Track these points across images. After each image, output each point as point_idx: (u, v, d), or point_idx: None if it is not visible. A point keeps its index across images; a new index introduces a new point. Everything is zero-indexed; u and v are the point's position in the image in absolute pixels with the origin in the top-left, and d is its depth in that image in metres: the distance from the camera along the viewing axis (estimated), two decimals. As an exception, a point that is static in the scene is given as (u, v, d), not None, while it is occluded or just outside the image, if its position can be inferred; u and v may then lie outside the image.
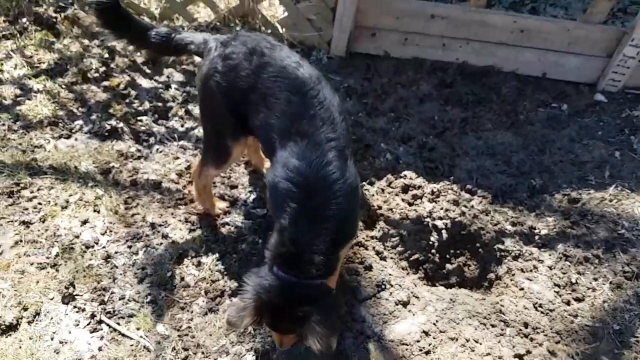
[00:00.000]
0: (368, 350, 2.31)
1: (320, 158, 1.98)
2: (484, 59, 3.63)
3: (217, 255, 2.57)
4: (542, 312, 2.50)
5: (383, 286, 2.56)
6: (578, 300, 2.57)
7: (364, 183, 3.00)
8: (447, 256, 2.88)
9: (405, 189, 2.97)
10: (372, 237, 2.78)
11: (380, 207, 2.89)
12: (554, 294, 2.58)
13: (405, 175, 3.01)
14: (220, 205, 2.77)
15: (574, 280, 2.63)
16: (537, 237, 2.81)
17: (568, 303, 2.55)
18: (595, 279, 2.63)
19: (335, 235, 1.98)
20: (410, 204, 2.91)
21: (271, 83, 2.09)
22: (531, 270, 2.67)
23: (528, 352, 2.35)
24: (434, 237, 2.84)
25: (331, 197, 1.97)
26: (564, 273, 2.66)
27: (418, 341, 2.36)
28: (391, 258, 2.78)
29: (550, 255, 2.74)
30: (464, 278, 2.85)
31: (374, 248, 2.74)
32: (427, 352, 2.33)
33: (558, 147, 3.25)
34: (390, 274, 2.62)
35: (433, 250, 2.85)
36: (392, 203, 2.90)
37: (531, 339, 2.40)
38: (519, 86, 3.59)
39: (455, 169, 3.11)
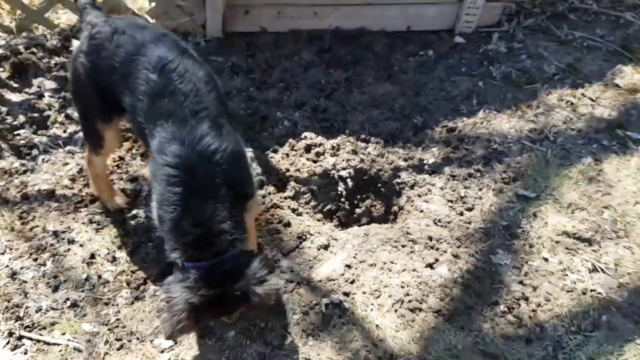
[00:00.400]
0: (300, 294, 2.50)
1: (191, 134, 1.97)
2: (354, 21, 3.96)
3: (131, 247, 2.60)
4: (442, 226, 2.86)
5: (304, 237, 2.77)
6: (469, 209, 2.97)
7: (268, 152, 3.18)
8: (355, 202, 3.18)
9: (308, 148, 3.20)
10: (285, 198, 2.98)
11: (288, 170, 3.09)
12: (448, 209, 2.96)
13: (305, 137, 3.25)
14: (119, 200, 2.76)
15: (462, 195, 3.03)
16: (426, 166, 3.19)
17: (461, 214, 2.94)
18: (480, 189, 3.06)
19: (232, 200, 2.00)
20: (315, 161, 3.15)
21: (129, 63, 2.07)
22: (426, 194, 3.04)
23: (437, 260, 2.69)
24: (341, 187, 3.12)
25: (215, 168, 1.98)
26: (453, 190, 3.05)
27: (343, 274, 2.60)
28: (306, 213, 3.00)
29: (440, 178, 3.12)
30: (372, 217, 3.16)
31: (289, 207, 2.94)
32: (352, 281, 2.57)
33: (431, 87, 3.67)
34: (308, 226, 2.84)
35: (342, 199, 3.13)
36: (298, 164, 3.12)
37: (437, 249, 2.74)
38: (389, 42, 3.97)
39: (348, 123, 3.40)
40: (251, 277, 1.93)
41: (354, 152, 3.18)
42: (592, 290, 2.59)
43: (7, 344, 2.16)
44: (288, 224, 2.80)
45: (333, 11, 3.90)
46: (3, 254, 2.46)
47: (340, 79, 3.67)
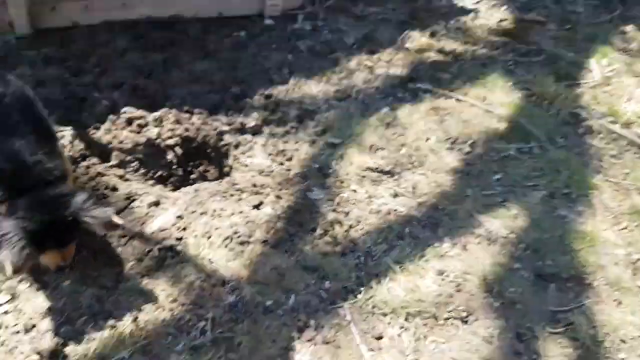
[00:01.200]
0: (134, 246, 2.77)
1: None
2: (166, 10, 4.31)
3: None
4: (265, 175, 3.34)
5: (133, 198, 3.03)
6: (288, 160, 3.50)
7: (89, 129, 3.38)
8: (189, 168, 3.51)
9: (130, 121, 3.44)
10: (111, 167, 3.20)
11: (110, 142, 3.30)
12: (270, 161, 3.46)
13: (125, 112, 3.50)
14: None
15: (282, 148, 3.55)
16: (248, 129, 3.66)
17: (282, 164, 3.45)
18: (297, 142, 3.61)
19: (36, 138, 2.24)
20: (138, 132, 3.41)
21: None
22: (249, 150, 3.51)
23: (261, 202, 3.14)
24: (170, 155, 3.42)
25: (7, 109, 2.23)
26: (274, 146, 3.56)
27: (175, 224, 2.92)
28: (136, 179, 3.25)
29: (261, 137, 3.62)
30: (208, 181, 3.50)
31: (115, 175, 3.16)
32: (184, 229, 2.91)
33: (245, 62, 4.17)
34: (137, 188, 3.11)
35: (174, 166, 3.43)
36: (120, 137, 3.35)
37: (261, 194, 3.20)
38: (203, 26, 4.38)
39: (169, 98, 3.73)
40: (80, 205, 2.13)
41: (178, 122, 3.52)
42: (395, 210, 3.25)
43: None
44: (115, 188, 3.03)
45: (143, 0, 4.21)
46: None
47: (158, 61, 3.98)
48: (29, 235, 2.01)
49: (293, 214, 3.11)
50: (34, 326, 2.31)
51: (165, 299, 2.55)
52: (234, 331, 2.48)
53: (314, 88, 4.06)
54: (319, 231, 3.05)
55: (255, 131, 3.67)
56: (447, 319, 2.70)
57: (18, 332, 2.28)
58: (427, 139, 3.77)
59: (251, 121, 3.72)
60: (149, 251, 2.74)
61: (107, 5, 4.10)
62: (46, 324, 2.33)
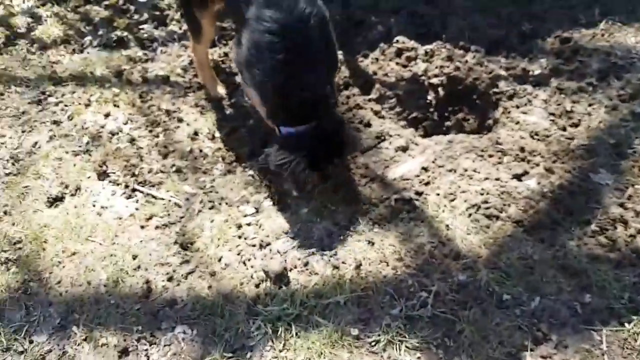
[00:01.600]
0: (372, 189, 2.54)
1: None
2: None
3: (228, 129, 2.82)
4: (538, 139, 2.65)
5: (383, 137, 2.76)
6: (574, 125, 2.70)
7: (357, 56, 3.15)
8: (446, 114, 3.03)
9: (399, 53, 3.10)
10: (369, 100, 2.95)
11: (375, 73, 3.03)
12: (549, 122, 2.72)
13: (397, 41, 3.14)
14: (220, 90, 2.99)
15: (569, 109, 2.75)
16: (530, 78, 2.92)
17: (564, 129, 2.68)
18: (591, 105, 2.75)
19: (326, 67, 2.17)
20: (404, 66, 3.05)
21: None
22: (526, 105, 2.81)
23: (525, 172, 2.52)
24: (430, 96, 3.00)
25: (312, 33, 2.10)
26: (559, 104, 2.78)
27: (418, 175, 2.57)
28: (390, 118, 2.94)
29: (544, 90, 2.86)
30: (463, 132, 2.98)
31: (371, 109, 2.91)
32: (427, 183, 2.53)
33: (547, -5, 3.31)
34: (389, 127, 2.82)
35: (431, 109, 3.00)
36: (386, 68, 3.04)
37: (528, 162, 2.56)
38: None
39: (446, 30, 3.21)
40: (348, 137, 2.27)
41: (450, 58, 3.01)
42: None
43: (123, 193, 2.55)
44: (368, 124, 2.80)
45: None
46: (125, 124, 2.85)
47: (446, -16, 3.45)
48: (311, 161, 2.19)
49: (564, 197, 2.41)
50: (268, 244, 2.35)
51: (391, 255, 2.29)
52: (458, 316, 2.08)
53: (632, 38, 2.98)
54: (593, 227, 2.31)
55: (539, 82, 2.91)
56: None
57: (254, 245, 2.35)
58: None
59: (536, 68, 2.95)
60: (385, 198, 2.48)
61: None
62: (279, 245, 2.34)
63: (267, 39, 2.07)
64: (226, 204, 2.51)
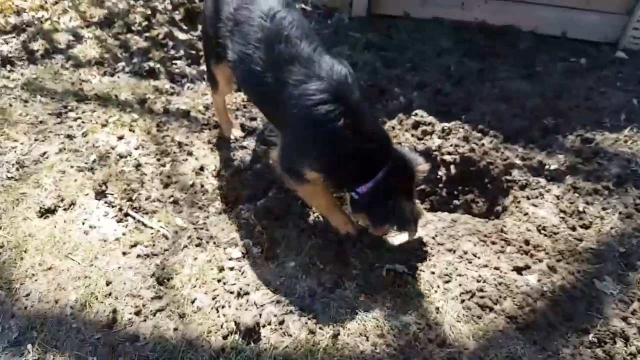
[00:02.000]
0: (366, 253, 2.38)
1: (326, 64, 2.05)
2: (502, 17, 3.68)
3: (233, 170, 2.76)
4: (545, 235, 2.49)
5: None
6: (584, 227, 2.54)
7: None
8: (455, 192, 2.92)
9: (416, 125, 3.04)
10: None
11: (389, 142, 2.98)
12: (559, 219, 2.56)
13: (416, 114, 3.09)
14: (235, 132, 2.97)
15: (581, 209, 2.60)
16: (546, 171, 2.81)
17: (573, 229, 2.52)
18: (604, 209, 2.59)
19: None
20: (419, 139, 2.98)
21: (242, 10, 2.17)
22: (537, 197, 2.67)
23: (527, 266, 2.35)
24: (442, 172, 2.90)
25: (355, 91, 2.11)
26: (571, 202, 2.64)
27: (416, 250, 2.42)
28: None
29: (558, 186, 2.72)
30: (471, 214, 2.85)
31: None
32: (423, 259, 2.38)
33: (575, 94, 3.24)
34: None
35: (440, 185, 2.90)
36: (401, 138, 2.99)
37: (531, 255, 2.39)
38: (538, 44, 3.61)
39: (468, 112, 3.16)
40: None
41: (466, 139, 2.94)
42: None
43: (115, 216, 2.47)
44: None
45: (481, 4, 3.67)
46: (136, 149, 2.81)
47: (473, 69, 3.43)
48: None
49: (563, 299, 2.22)
50: (247, 294, 2.20)
51: (373, 329, 2.10)
52: (429, 412, 1.87)
53: (657, 148, 2.87)
54: (591, 337, 2.09)
55: (554, 177, 2.78)
56: None
57: (232, 292, 2.21)
58: None
59: (553, 163, 2.84)
60: (377, 266, 2.32)
61: (445, 2, 3.74)
62: (258, 296, 2.19)
63: (322, 110, 2.00)
64: (214, 243, 2.40)
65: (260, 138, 2.99)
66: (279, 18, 2.12)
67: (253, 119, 3.11)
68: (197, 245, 2.38)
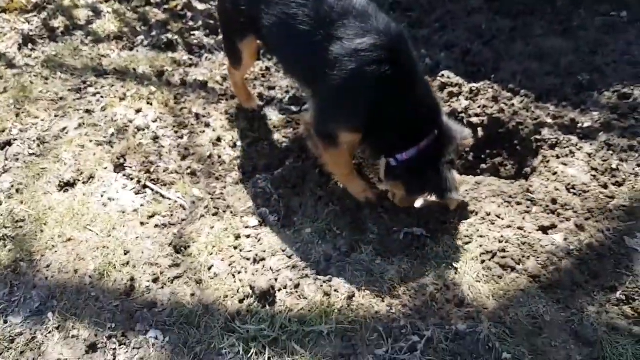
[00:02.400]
0: (383, 217, 2.51)
1: (383, 19, 2.11)
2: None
3: (251, 140, 2.94)
4: (574, 193, 2.53)
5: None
6: (617, 184, 2.55)
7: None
8: (482, 156, 2.97)
9: (442, 87, 3.10)
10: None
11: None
12: (590, 177, 2.59)
13: (443, 75, 3.14)
14: (253, 103, 3.11)
15: (614, 167, 2.61)
16: (578, 129, 2.82)
17: (605, 186, 2.55)
18: (639, 165, 2.60)
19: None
20: (446, 102, 3.04)
21: None
22: (567, 156, 2.70)
23: (553, 225, 2.41)
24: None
25: (411, 50, 2.19)
26: (604, 160, 2.65)
27: (435, 212, 2.51)
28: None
29: (591, 144, 2.74)
30: (498, 177, 2.89)
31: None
32: (444, 222, 2.48)
33: (612, 49, 3.20)
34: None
35: (467, 149, 2.95)
36: (426, 100, 3.05)
37: (558, 215, 2.45)
38: (576, -1, 3.56)
39: (499, 71, 3.19)
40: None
41: (495, 99, 2.97)
42: None
43: (134, 188, 2.69)
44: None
45: (518, -44, 3.62)
46: (154, 121, 3.02)
47: (505, 28, 3.44)
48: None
49: (591, 257, 2.28)
50: (262, 260, 2.37)
51: (388, 290, 2.23)
52: (449, 367, 1.98)
53: (703, 100, 2.80)
54: (619, 294, 2.16)
55: (587, 135, 2.79)
56: None
57: (248, 259, 2.38)
58: None
59: (587, 121, 2.84)
60: (395, 230, 2.45)
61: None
62: (273, 262, 2.36)
63: (377, 66, 2.05)
64: (231, 212, 2.58)
65: (279, 107, 3.15)
66: None
67: (272, 88, 3.27)
68: (214, 215, 2.57)
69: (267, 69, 3.40)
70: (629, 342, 2.01)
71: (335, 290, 2.24)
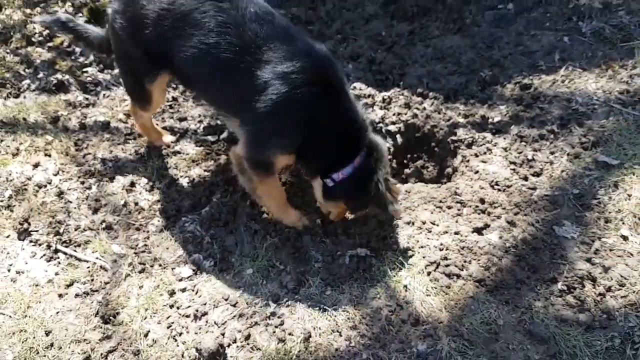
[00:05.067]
0: (326, 243, 2.26)
1: (306, 42, 2.00)
2: (425, -28, 3.55)
3: (169, 180, 2.54)
4: (499, 190, 2.44)
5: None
6: (536, 174, 2.50)
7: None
8: (405, 161, 2.84)
9: (356, 99, 2.89)
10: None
11: (330, 119, 2.82)
12: (510, 172, 2.52)
13: (354, 87, 2.95)
14: (166, 139, 2.72)
15: (530, 157, 2.56)
16: (490, 125, 2.75)
17: (525, 178, 2.48)
18: (552, 153, 2.57)
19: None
20: (361, 113, 2.85)
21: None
22: (485, 153, 2.61)
23: (486, 225, 2.29)
24: (389, 143, 2.79)
25: (337, 68, 2.06)
26: (519, 152, 2.59)
27: (374, 230, 2.31)
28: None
29: (504, 138, 2.67)
30: (423, 180, 2.77)
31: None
32: (384, 238, 2.28)
33: (506, 41, 3.18)
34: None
35: (390, 157, 2.79)
36: (343, 114, 2.84)
37: (489, 214, 2.34)
38: (466, -5, 3.52)
39: (405, 77, 3.05)
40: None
41: (407, 106, 2.83)
42: (685, 275, 2.06)
43: (44, 255, 2.21)
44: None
45: (405, -39, 3.52)
46: (55, 174, 2.53)
47: (404, 32, 3.31)
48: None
49: (527, 252, 2.18)
50: (204, 314, 2.03)
51: (344, 322, 1.99)
52: (415, 396, 1.78)
53: (592, 84, 2.85)
54: (560, 285, 2.07)
55: (499, 129, 2.73)
56: None
57: (188, 316, 2.03)
58: None
59: (496, 115, 2.78)
60: (340, 254, 2.20)
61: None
62: (217, 315, 2.02)
63: (305, 89, 1.92)
64: (159, 265, 2.20)
65: (195, 139, 2.77)
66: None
67: (183, 119, 2.87)
68: (141, 272, 2.17)
69: (175, 99, 2.99)
70: (579, 332, 1.92)
71: (290, 334, 1.95)
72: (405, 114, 2.80)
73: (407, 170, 2.80)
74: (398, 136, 2.77)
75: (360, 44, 3.26)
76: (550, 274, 2.10)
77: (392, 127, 2.77)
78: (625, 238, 2.20)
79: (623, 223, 2.25)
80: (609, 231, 2.23)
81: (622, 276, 2.09)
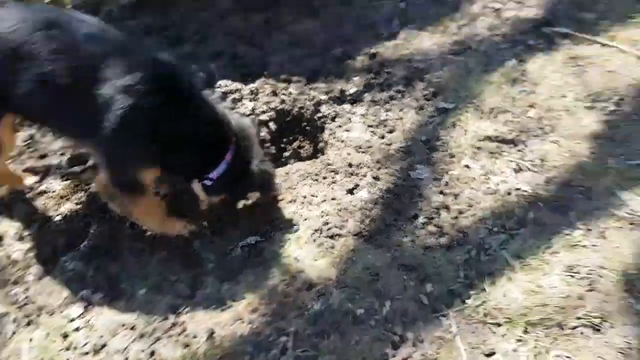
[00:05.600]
0: (215, 242, 2.39)
1: (145, 53, 2.02)
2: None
3: (39, 222, 2.47)
4: (363, 152, 2.72)
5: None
6: (390, 131, 2.81)
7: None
8: (283, 145, 3.03)
9: (224, 96, 3.04)
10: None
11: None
12: (370, 134, 2.80)
13: (220, 85, 3.08)
14: (28, 181, 2.63)
15: (384, 118, 2.86)
16: (348, 96, 3.01)
17: (382, 137, 2.78)
18: (401, 110, 2.88)
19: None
20: (232, 109, 3.00)
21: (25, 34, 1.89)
22: (347, 123, 2.88)
23: (357, 185, 2.56)
24: (264, 132, 2.96)
25: (183, 73, 2.10)
26: (375, 116, 2.88)
27: (261, 216, 2.48)
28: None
29: (361, 106, 2.95)
30: (301, 158, 2.96)
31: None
32: (271, 221, 2.45)
33: (353, 17, 3.45)
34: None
35: (267, 144, 2.96)
36: (214, 113, 2.98)
37: (357, 175, 2.60)
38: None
39: (268, 66, 3.22)
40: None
41: (274, 93, 3.02)
42: (517, 189, 2.45)
43: None
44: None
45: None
46: None
47: (259, 22, 3.47)
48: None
49: (391, 199, 2.48)
50: (104, 346, 2.03)
51: (244, 309, 2.14)
52: (319, 349, 2.01)
53: (427, 41, 3.20)
54: (421, 219, 2.39)
55: (355, 99, 3.00)
56: (576, 327, 1.97)
57: (87, 353, 2.00)
58: (563, 96, 2.78)
59: (351, 87, 3.05)
60: (231, 249, 2.37)
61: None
62: (117, 342, 2.04)
63: (151, 100, 1.91)
64: (46, 313, 2.17)
65: (61, 173, 2.70)
66: (62, 20, 1.94)
67: (43, 156, 2.77)
68: (27, 325, 2.13)
69: (31, 137, 2.84)
70: (441, 253, 2.25)
71: (194, 337, 2.06)
72: (274, 101, 2.99)
73: (285, 154, 2.98)
74: (271, 124, 2.96)
75: (219, 40, 3.38)
76: (412, 212, 2.42)
77: (263, 117, 2.95)
78: (468, 167, 2.57)
79: (464, 154, 2.62)
80: (454, 164, 2.59)
81: (469, 198, 2.46)
